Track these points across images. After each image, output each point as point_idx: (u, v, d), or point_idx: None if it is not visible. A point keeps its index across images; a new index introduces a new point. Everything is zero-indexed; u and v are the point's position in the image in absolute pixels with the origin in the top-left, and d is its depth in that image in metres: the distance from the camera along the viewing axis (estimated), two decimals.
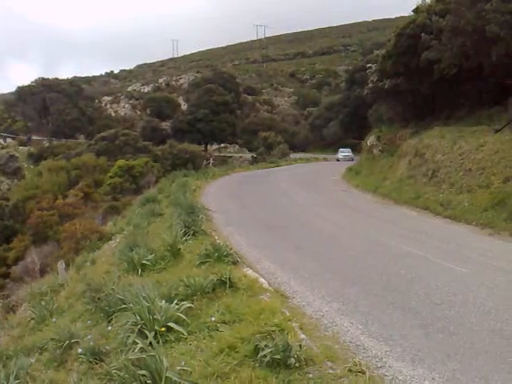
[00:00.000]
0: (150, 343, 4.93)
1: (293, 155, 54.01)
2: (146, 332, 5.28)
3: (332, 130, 60.80)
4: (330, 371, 4.47)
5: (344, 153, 50.75)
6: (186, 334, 5.51)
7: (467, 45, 17.21)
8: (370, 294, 6.95)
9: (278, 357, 4.47)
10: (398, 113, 25.72)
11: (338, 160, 47.94)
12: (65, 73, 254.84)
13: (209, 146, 58.94)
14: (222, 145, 63.01)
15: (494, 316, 5.93)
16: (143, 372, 4.24)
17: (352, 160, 44.04)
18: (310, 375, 4.37)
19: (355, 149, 44.76)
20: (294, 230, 12.48)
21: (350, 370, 4.47)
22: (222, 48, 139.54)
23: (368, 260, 8.96)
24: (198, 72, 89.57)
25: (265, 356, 4.50)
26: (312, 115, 71.19)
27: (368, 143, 28.68)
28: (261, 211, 15.94)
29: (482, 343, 5.16)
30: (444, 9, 18.92)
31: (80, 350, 5.92)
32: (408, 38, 21.10)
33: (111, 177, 33.43)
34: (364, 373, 4.44)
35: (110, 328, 6.37)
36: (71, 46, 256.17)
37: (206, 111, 54.38)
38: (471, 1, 16.62)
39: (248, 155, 56.54)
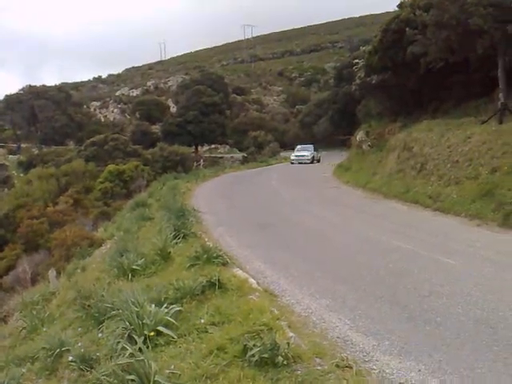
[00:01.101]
0: (140, 348, 4.93)
1: (283, 153, 54.01)
2: (135, 337, 5.28)
3: (322, 126, 60.90)
4: (318, 367, 4.50)
5: (300, 153, 41.10)
6: (175, 337, 5.53)
7: (452, 38, 17.27)
8: (359, 289, 6.99)
9: (266, 356, 4.50)
10: (386, 107, 25.82)
11: (291, 163, 39.86)
12: (50, 79, 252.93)
13: (199, 148, 58.91)
14: (213, 146, 63.00)
15: (480, 306, 5.99)
16: (132, 377, 4.25)
17: (313, 162, 39.26)
18: (298, 372, 4.40)
19: (345, 144, 40.06)
20: (285, 228, 12.51)
21: (337, 366, 4.51)
22: (210, 49, 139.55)
23: (357, 256, 9.00)
24: (186, 74, 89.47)
25: (253, 355, 4.53)
26: (301, 113, 71.32)
27: (357, 138, 28.77)
28: (251, 211, 15.96)
29: (468, 333, 5.22)
30: (428, 3, 18.97)
31: (70, 358, 5.92)
32: (393, 33, 21.20)
33: (101, 182, 33.31)
34: (351, 367, 4.48)
35: (100, 335, 6.37)
36: (54, 51, 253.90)
37: (196, 113, 54.33)
38: None
39: (239, 155, 56.60)
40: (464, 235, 10.28)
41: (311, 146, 42.48)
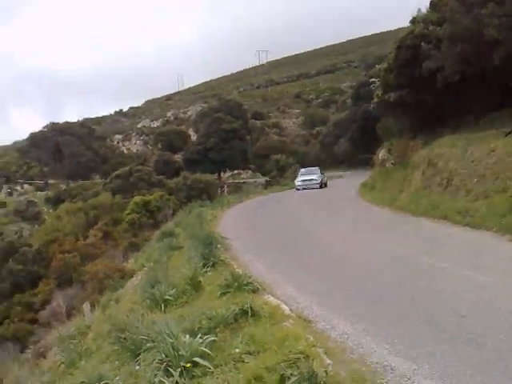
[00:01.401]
0: (176, 381, 4.95)
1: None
2: (171, 369, 5.29)
3: (342, 146, 60.90)
4: None
5: (306, 177, 36.23)
6: (211, 367, 5.52)
7: (467, 51, 17.27)
8: (394, 311, 6.90)
9: None
10: (406, 124, 25.72)
11: (297, 189, 35.44)
12: (71, 116, 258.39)
13: (222, 174, 59.37)
14: (235, 171, 63.47)
15: None
16: None
17: (321, 187, 35.00)
18: None
19: (368, 163, 38.15)
20: (313, 252, 12.44)
21: None
22: (226, 77, 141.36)
23: (391, 277, 8.89)
24: (204, 102, 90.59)
25: None
26: (321, 134, 71.46)
27: (380, 157, 28.69)
28: (278, 236, 15.93)
29: (511, 352, 5.10)
30: (440, 17, 19.08)
31: None
32: (408, 49, 21.25)
33: (128, 213, 33.75)
34: None
35: (137, 367, 6.40)
36: (72, 87, 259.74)
37: (216, 140, 54.99)
38: (466, 7, 16.75)
39: (262, 179, 56.87)
40: (497, 250, 10.09)
41: (317, 169, 38.20)
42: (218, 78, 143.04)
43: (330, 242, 13.61)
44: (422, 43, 20.04)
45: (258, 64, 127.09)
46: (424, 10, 22.96)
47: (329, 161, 65.61)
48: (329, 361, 5.16)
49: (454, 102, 20.87)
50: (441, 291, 7.54)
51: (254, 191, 46.38)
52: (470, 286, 7.61)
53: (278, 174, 55.63)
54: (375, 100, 26.75)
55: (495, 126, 16.64)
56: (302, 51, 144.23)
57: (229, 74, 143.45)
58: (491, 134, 15.76)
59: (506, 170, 13.47)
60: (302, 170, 39.75)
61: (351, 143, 58.02)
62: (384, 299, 7.53)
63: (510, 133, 15.13)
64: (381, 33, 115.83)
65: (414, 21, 23.31)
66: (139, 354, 6.66)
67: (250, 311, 6.77)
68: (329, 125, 70.36)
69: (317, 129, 78.45)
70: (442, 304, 6.93)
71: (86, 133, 71.33)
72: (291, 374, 4.60)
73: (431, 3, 21.99)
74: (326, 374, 4.58)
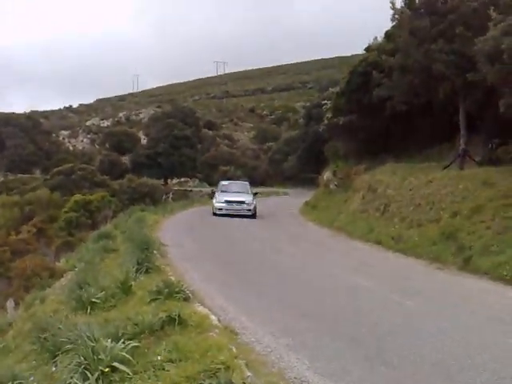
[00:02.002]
0: None
1: (253, 189, 54.04)
2: (88, 373, 5.17)
3: (291, 164, 61.63)
4: None
5: (232, 196, 24.12)
6: (131, 373, 5.42)
7: (416, 83, 17.98)
8: (319, 327, 7.03)
9: None
10: (353, 148, 26.42)
11: (214, 214, 23.84)
12: (18, 107, 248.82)
13: (169, 180, 58.80)
14: (183, 179, 63.00)
15: (438, 348, 6.09)
16: None
17: (253, 216, 23.39)
18: None
19: (314, 182, 36.45)
20: (251, 265, 12.50)
21: None
22: (182, 83, 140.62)
23: (320, 294, 9.07)
24: (158, 107, 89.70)
25: None
26: (271, 150, 72.13)
27: (325, 178, 29.29)
28: (218, 246, 15.91)
29: (423, 375, 5.29)
30: (394, 48, 19.76)
31: None
32: (360, 75, 21.95)
33: (66, 212, 32.82)
34: None
35: (54, 369, 6.22)
36: (20, 78, 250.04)
37: (166, 145, 54.54)
38: (418, 41, 17.44)
39: (208, 189, 56.61)
40: (423, 277, 10.48)
41: (246, 185, 27.07)
42: (173, 84, 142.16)
43: (266, 256, 13.73)
44: (374, 71, 20.72)
45: (215, 74, 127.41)
46: (379, 39, 23.82)
47: (277, 177, 66.32)
48: (249, 373, 5.18)
49: (401, 131, 21.66)
50: (365, 311, 7.75)
51: (199, 200, 46.10)
52: (393, 308, 7.86)
53: None
54: (325, 122, 27.38)
55: (436, 159, 17.39)
56: (261, 67, 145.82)
57: (185, 80, 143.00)
58: (431, 166, 16.45)
59: (441, 201, 14.07)
60: (224, 182, 27.56)
61: (299, 162, 58.82)
62: (309, 315, 7.67)
63: (447, 166, 15.84)
64: (337, 57, 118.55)
65: (368, 49, 24.10)
66: (58, 355, 6.47)
67: (177, 319, 6.71)
68: (279, 141, 71.20)
69: (268, 144, 79.12)
70: (364, 323, 7.11)
71: (32, 125, 69.01)
72: None
73: (386, 33, 22.80)
74: None
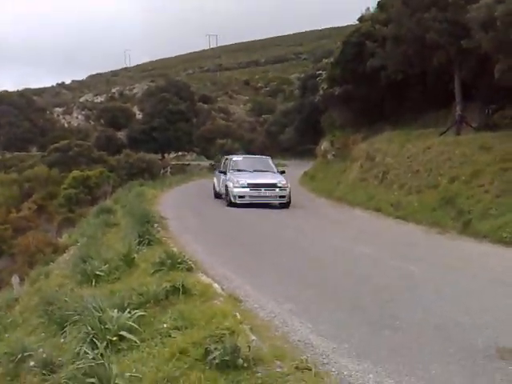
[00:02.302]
0: (101, 353, 4.95)
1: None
2: (97, 342, 5.28)
3: (288, 135, 61.38)
4: (278, 369, 4.58)
5: (254, 178, 17.74)
6: (138, 342, 5.54)
7: (409, 52, 17.89)
8: (322, 294, 7.15)
9: (227, 358, 4.56)
10: (349, 118, 26.35)
11: (231, 203, 17.47)
12: (10, 85, 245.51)
13: (166, 155, 58.66)
14: (180, 153, 62.84)
15: (438, 312, 6.21)
16: (92, 380, 4.27)
17: (286, 205, 17.38)
18: (259, 374, 4.48)
19: (313, 153, 35.51)
20: (250, 235, 12.62)
21: (296, 368, 4.59)
22: (175, 57, 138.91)
23: (322, 262, 9.18)
24: (151, 81, 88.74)
25: (214, 358, 4.59)
26: (268, 122, 71.77)
27: (322, 148, 29.27)
28: (217, 218, 16.01)
29: (426, 338, 5.41)
30: (387, 18, 19.62)
31: (32, 363, 5.86)
32: (354, 46, 21.84)
33: (65, 188, 32.83)
34: (310, 369, 4.59)
35: (62, 340, 6.32)
36: (10, 56, 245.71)
37: (162, 120, 54.21)
38: (411, 10, 17.29)
39: (206, 162, 56.55)
40: (424, 243, 10.59)
41: (268, 160, 20.58)
42: (166, 58, 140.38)
43: (265, 227, 13.83)
44: (367, 41, 20.59)
45: (207, 48, 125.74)
46: (372, 10, 23.62)
47: (274, 149, 66.11)
48: (253, 337, 5.29)
49: (396, 100, 21.61)
50: (368, 278, 7.87)
51: (198, 174, 46.09)
52: (396, 274, 7.97)
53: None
54: (321, 93, 27.23)
55: (433, 125, 17.39)
56: (254, 39, 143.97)
57: (178, 54, 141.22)
58: (428, 133, 16.47)
59: (439, 167, 14.14)
60: (235, 158, 20.66)
61: (297, 133, 58.58)
62: (312, 283, 7.78)
63: (444, 132, 15.86)
64: (332, 28, 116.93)
65: (361, 19, 23.89)
66: (66, 327, 6.58)
67: (181, 289, 6.80)
68: (276, 114, 70.76)
69: (264, 116, 78.66)
70: (367, 290, 7.23)
71: (25, 103, 68.40)
72: (215, 348, 4.69)
73: (379, 3, 22.68)
74: (249, 348, 4.69)
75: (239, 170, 18.60)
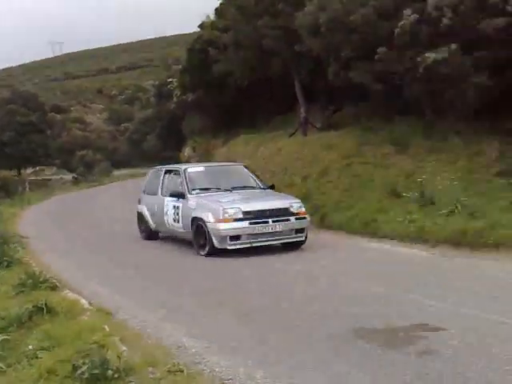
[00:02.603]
0: None
1: (118, 172, 52.66)
2: None
3: (151, 143, 60.67)
4: (151, 375, 4.71)
5: (244, 202, 9.97)
6: (4, 367, 5.37)
7: (250, 58, 18.61)
8: (192, 294, 7.52)
9: (96, 372, 4.57)
10: (207, 124, 26.94)
11: (212, 250, 9.71)
12: None
13: (22, 171, 55.08)
14: (38, 168, 59.45)
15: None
16: None
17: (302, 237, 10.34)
18: (132, 383, 4.56)
19: (175, 160, 34.62)
20: (118, 249, 12.49)
21: (169, 371, 4.75)
22: (19, 66, 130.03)
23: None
24: None
25: (83, 373, 4.59)
26: (129, 130, 70.28)
27: (186, 154, 29.56)
28: (84, 232, 15.55)
29: (289, 322, 5.97)
30: (227, 24, 20.18)
31: None
32: (199, 52, 22.39)
33: None
34: (182, 371, 4.77)
35: None
36: None
37: (12, 133, 50.94)
38: (246, 17, 18.01)
39: (69, 176, 54.18)
40: None
41: (242, 169, 12.77)
42: (8, 68, 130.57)
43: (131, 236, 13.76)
44: (210, 48, 21.08)
45: (52, 56, 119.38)
46: (212, 17, 24.07)
47: (138, 157, 64.87)
48: (124, 347, 5.37)
49: (248, 104, 22.51)
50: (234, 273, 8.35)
51: (62, 188, 43.92)
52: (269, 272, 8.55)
53: (85, 171, 53.41)
54: (175, 100, 27.46)
55: (282, 128, 18.51)
56: (100, 46, 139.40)
57: (21, 64, 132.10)
58: (279, 135, 17.56)
59: (292, 166, 15.19)
60: (196, 170, 11.93)
61: (159, 140, 57.99)
62: (175, 284, 8.12)
63: (293, 134, 17.01)
64: (181, 34, 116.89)
65: (202, 26, 24.33)
66: None
67: (45, 308, 6.66)
68: (135, 122, 69.46)
69: (124, 125, 76.87)
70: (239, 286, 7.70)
71: None
72: (83, 363, 4.71)
73: (216, 10, 23.10)
74: (119, 359, 4.77)
75: (204, 189, 11.09)
